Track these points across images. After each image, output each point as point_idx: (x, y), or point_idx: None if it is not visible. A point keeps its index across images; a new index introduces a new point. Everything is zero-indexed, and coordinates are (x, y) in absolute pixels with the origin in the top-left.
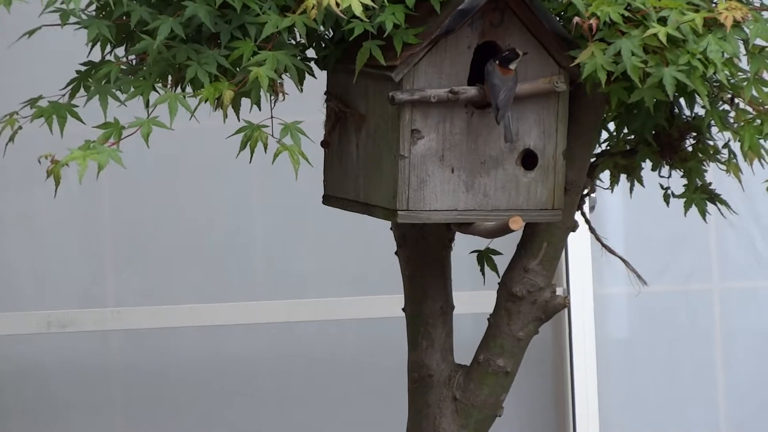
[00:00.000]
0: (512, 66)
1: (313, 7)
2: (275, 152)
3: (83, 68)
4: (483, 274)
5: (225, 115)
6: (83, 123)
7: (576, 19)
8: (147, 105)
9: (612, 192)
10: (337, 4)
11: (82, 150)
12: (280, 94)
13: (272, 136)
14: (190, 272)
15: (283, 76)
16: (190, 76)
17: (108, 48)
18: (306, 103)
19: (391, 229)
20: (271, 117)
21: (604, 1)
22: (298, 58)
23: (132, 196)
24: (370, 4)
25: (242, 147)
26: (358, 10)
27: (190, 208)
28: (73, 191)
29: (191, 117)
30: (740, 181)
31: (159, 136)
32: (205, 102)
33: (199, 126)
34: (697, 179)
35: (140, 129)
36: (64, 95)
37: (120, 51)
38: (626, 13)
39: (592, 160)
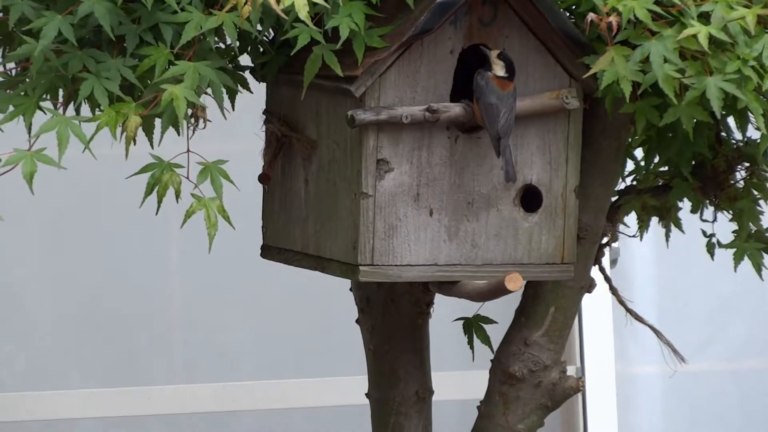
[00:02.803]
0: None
1: (245, 3)
2: (187, 210)
3: None
4: (471, 348)
5: (128, 148)
6: None
7: (591, 15)
8: (29, 129)
9: (641, 240)
10: (277, 1)
11: None
12: (201, 121)
13: (188, 178)
14: (84, 349)
15: (207, 92)
16: (84, 94)
17: None
18: (238, 124)
19: (350, 289)
20: (188, 152)
21: None
22: (229, 67)
23: (7, 244)
24: (321, 2)
25: (147, 193)
26: (303, 12)
27: (86, 266)
28: None
29: (85, 149)
30: None
31: (45, 167)
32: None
33: (99, 154)
34: (751, 223)
35: (21, 165)
36: None
37: None
38: (657, 9)
39: (614, 198)
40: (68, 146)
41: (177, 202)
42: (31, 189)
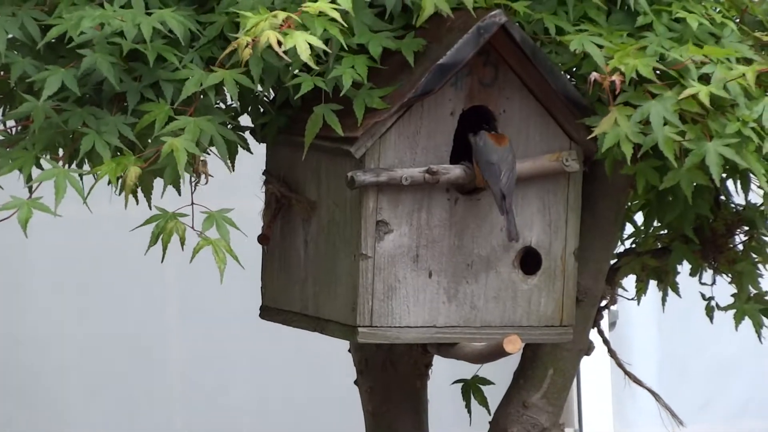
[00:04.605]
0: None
1: (246, 46)
2: (195, 247)
3: None
4: (469, 410)
5: (127, 200)
6: None
7: (594, 74)
8: (28, 180)
9: (639, 304)
10: (280, 44)
11: None
12: (203, 176)
13: (192, 228)
14: (85, 407)
15: (208, 150)
16: (85, 149)
17: None
18: (238, 185)
19: (349, 351)
20: (192, 204)
21: (629, 52)
22: (228, 126)
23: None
24: (323, 47)
25: (153, 241)
26: (305, 55)
27: (85, 324)
28: None
29: (84, 201)
30: None
31: (42, 219)
32: (108, 184)
33: (97, 211)
34: (750, 286)
35: (17, 213)
36: None
37: None
38: (660, 67)
39: (613, 261)
40: (69, 204)
41: (182, 249)
42: (25, 233)
